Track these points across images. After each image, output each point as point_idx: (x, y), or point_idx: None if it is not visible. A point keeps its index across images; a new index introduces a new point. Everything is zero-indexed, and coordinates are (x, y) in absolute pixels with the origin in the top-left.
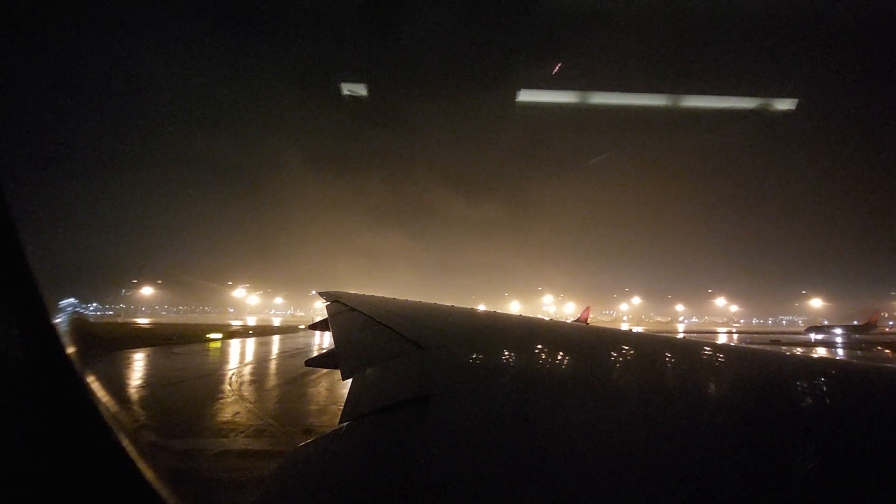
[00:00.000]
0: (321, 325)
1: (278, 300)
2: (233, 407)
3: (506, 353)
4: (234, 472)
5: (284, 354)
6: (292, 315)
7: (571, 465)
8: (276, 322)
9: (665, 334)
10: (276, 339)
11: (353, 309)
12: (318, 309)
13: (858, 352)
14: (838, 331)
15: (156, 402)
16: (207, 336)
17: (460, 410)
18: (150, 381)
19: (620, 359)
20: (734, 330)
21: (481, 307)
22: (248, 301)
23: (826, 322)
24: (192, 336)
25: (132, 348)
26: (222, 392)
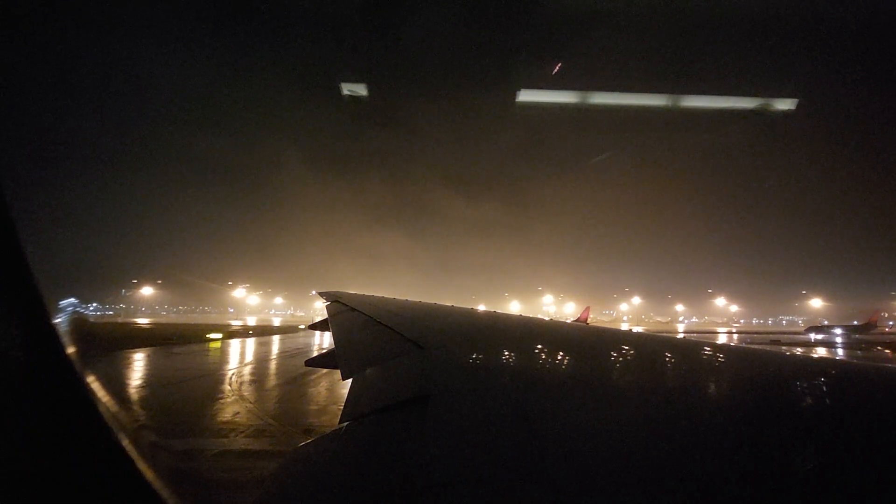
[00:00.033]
0: (321, 325)
1: (278, 300)
2: (233, 407)
3: (506, 354)
4: (234, 472)
5: (284, 354)
6: (292, 315)
7: (571, 465)
8: (276, 322)
9: (665, 334)
10: (276, 339)
11: (353, 309)
12: (318, 309)
13: (858, 352)
14: (838, 331)
15: (156, 402)
16: (207, 336)
17: (460, 410)
18: (150, 381)
19: (620, 359)
20: (734, 330)
21: (481, 307)
22: (248, 301)
23: (826, 322)
24: (192, 336)
25: (132, 348)
26: (222, 392)
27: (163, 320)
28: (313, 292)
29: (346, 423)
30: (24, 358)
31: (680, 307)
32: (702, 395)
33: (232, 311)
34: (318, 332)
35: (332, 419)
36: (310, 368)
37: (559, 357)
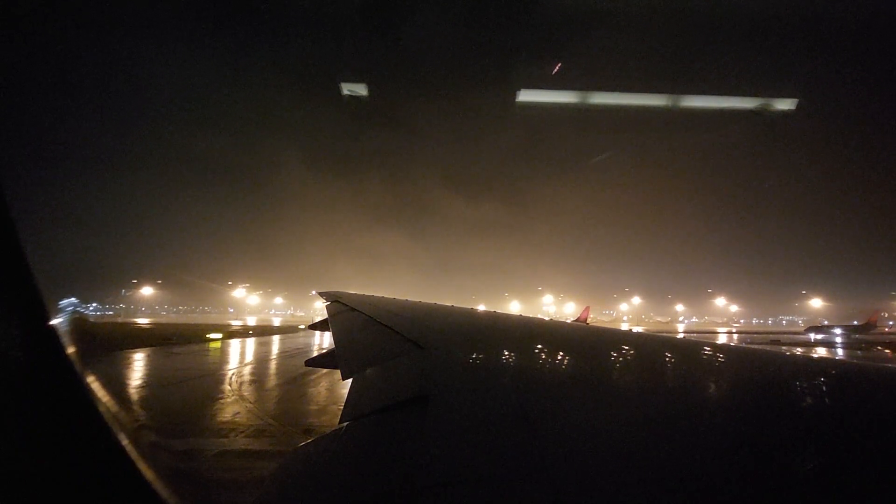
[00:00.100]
0: (321, 325)
1: (278, 300)
2: (233, 407)
3: (505, 354)
4: (234, 472)
5: (284, 354)
6: (292, 315)
7: (571, 465)
8: (276, 322)
9: (665, 334)
10: (276, 339)
11: (353, 309)
12: (318, 309)
13: (858, 352)
14: (838, 331)
15: (156, 402)
16: (207, 336)
17: (460, 410)
18: (150, 381)
19: (620, 359)
20: (734, 330)
21: (481, 307)
22: (248, 301)
23: (826, 322)
24: (192, 336)
25: (132, 348)
26: (222, 392)
27: (163, 320)
28: (313, 292)
29: (346, 423)
30: (24, 358)
31: (680, 307)
32: (702, 395)
33: (232, 311)
34: (318, 332)
35: (332, 419)
36: (310, 368)
37: (559, 357)
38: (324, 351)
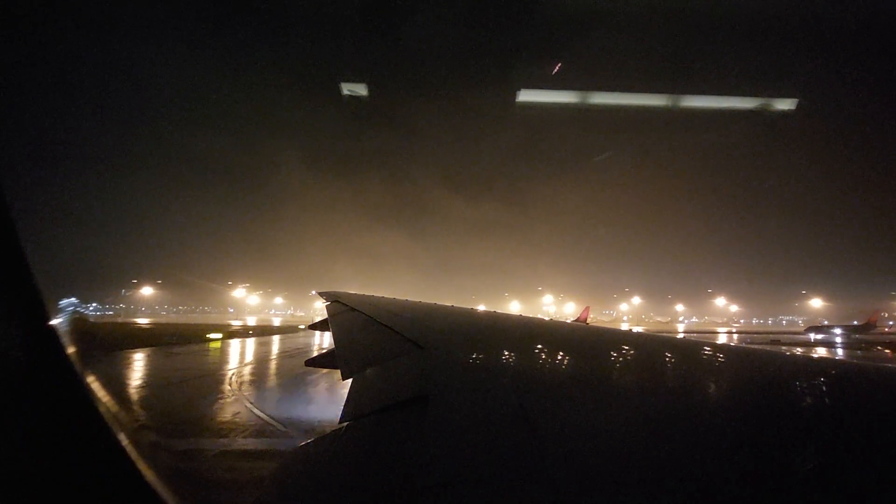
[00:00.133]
0: (321, 325)
1: (278, 300)
2: (233, 407)
3: (505, 354)
4: (234, 472)
5: (284, 354)
6: (292, 315)
7: (571, 465)
8: (276, 322)
9: (665, 334)
10: (275, 339)
11: (353, 309)
12: (318, 309)
13: (858, 352)
14: (838, 331)
15: (156, 402)
16: (207, 336)
17: (460, 410)
18: (150, 381)
19: (620, 359)
20: (734, 330)
21: (481, 307)
22: (248, 301)
23: (826, 322)
24: (192, 336)
25: (132, 348)
26: (222, 392)
27: (163, 320)
28: (313, 292)
29: (346, 423)
30: (24, 358)
31: (680, 307)
32: (702, 395)
33: (232, 311)
34: (318, 332)
35: (332, 419)
36: (310, 368)
37: (559, 357)
38: (324, 351)
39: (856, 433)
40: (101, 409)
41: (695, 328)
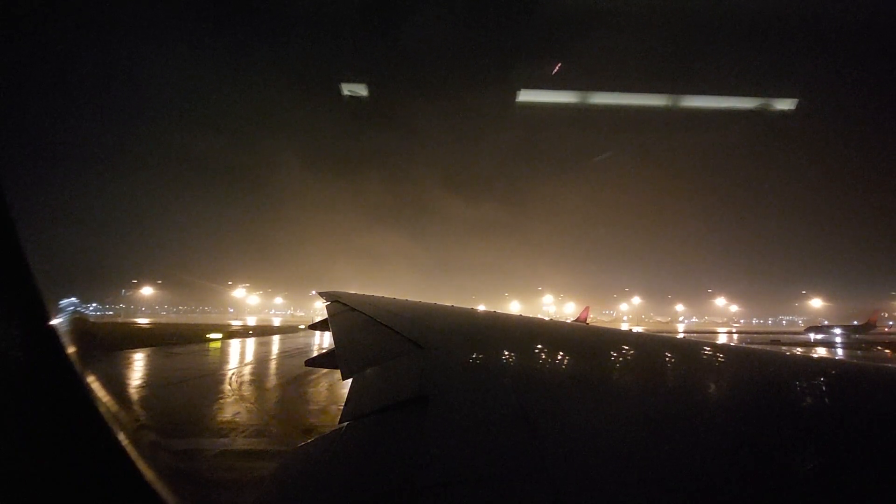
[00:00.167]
0: (321, 325)
1: (278, 300)
2: (233, 407)
3: (505, 354)
4: (234, 472)
5: (284, 354)
6: (292, 315)
7: (571, 465)
8: (276, 322)
9: (665, 334)
10: (275, 339)
11: (353, 309)
12: (318, 309)
13: (858, 352)
14: (838, 331)
15: (156, 402)
16: (207, 336)
17: (460, 410)
18: (150, 381)
19: (620, 359)
20: (734, 330)
21: (481, 307)
22: (248, 301)
23: (826, 322)
24: (192, 336)
25: (132, 348)
26: (222, 392)
27: (163, 320)
28: (313, 292)
29: (346, 423)
30: (24, 358)
31: (680, 307)
32: (702, 395)
33: (232, 311)
34: (318, 332)
35: (332, 419)
36: (310, 368)
37: (559, 357)
38: (324, 351)
39: (856, 433)
40: (101, 409)
41: (695, 328)
